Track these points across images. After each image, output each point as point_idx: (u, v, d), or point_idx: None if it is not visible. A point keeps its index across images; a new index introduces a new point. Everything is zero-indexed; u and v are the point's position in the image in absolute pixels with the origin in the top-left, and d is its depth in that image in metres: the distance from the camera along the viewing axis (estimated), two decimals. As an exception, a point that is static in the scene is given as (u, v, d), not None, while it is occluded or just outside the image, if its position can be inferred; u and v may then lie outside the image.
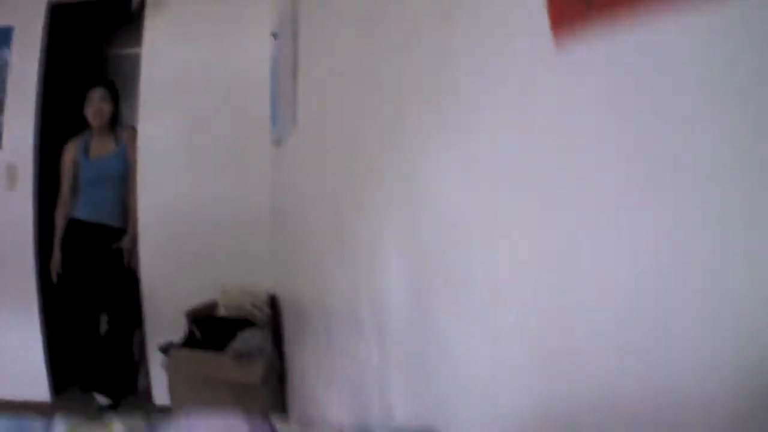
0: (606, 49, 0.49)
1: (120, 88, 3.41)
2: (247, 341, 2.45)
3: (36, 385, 3.31)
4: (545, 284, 0.59)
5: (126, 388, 3.31)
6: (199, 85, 3.21)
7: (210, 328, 2.63)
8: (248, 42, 3.16)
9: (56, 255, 3.22)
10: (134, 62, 3.51)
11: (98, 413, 3.07)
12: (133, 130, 3.33)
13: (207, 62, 3.21)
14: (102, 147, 3.30)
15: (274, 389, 2.50)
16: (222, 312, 2.82)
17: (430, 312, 0.89)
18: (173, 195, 3.24)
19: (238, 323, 2.63)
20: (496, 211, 0.69)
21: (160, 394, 3.12)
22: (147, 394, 3.27)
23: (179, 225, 3.23)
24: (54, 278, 3.21)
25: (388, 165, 1.09)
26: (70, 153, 3.29)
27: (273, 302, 2.84)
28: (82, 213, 3.22)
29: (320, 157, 1.78)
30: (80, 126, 3.32)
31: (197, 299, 2.90)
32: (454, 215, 0.80)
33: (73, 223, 3.23)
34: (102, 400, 3.19)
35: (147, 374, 3.29)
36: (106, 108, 3.27)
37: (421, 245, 0.93)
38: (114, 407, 3.18)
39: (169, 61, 3.23)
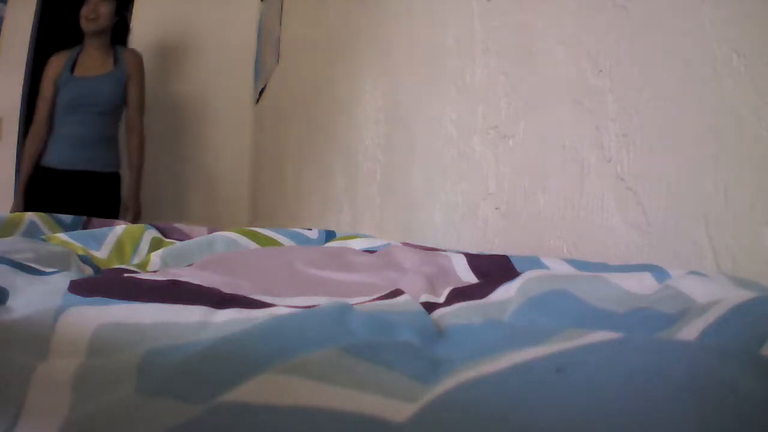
0: None
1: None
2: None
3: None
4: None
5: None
6: (186, 46, 3.30)
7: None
8: (236, 6, 3.28)
9: (19, 202, 2.38)
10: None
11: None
12: (140, 56, 2.61)
13: (195, 25, 3.31)
14: (93, 64, 2.49)
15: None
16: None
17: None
18: (153, 156, 3.30)
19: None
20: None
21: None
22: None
23: (159, 187, 3.29)
24: None
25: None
26: (53, 69, 2.48)
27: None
28: (55, 159, 2.43)
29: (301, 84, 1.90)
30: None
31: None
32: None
33: (43, 173, 2.42)
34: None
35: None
36: (104, 10, 2.44)
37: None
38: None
39: (158, 22, 3.32)
